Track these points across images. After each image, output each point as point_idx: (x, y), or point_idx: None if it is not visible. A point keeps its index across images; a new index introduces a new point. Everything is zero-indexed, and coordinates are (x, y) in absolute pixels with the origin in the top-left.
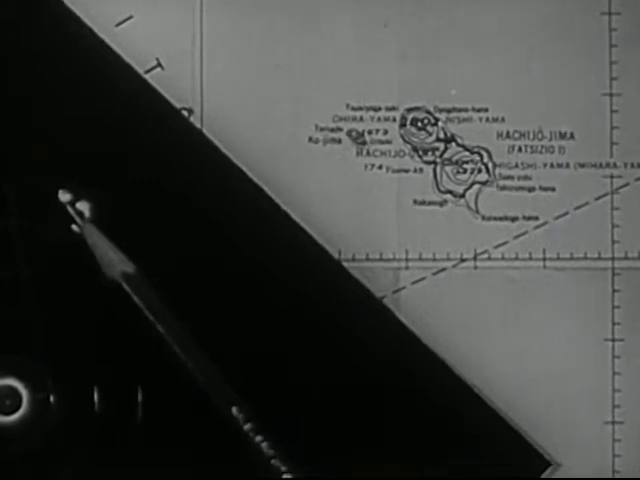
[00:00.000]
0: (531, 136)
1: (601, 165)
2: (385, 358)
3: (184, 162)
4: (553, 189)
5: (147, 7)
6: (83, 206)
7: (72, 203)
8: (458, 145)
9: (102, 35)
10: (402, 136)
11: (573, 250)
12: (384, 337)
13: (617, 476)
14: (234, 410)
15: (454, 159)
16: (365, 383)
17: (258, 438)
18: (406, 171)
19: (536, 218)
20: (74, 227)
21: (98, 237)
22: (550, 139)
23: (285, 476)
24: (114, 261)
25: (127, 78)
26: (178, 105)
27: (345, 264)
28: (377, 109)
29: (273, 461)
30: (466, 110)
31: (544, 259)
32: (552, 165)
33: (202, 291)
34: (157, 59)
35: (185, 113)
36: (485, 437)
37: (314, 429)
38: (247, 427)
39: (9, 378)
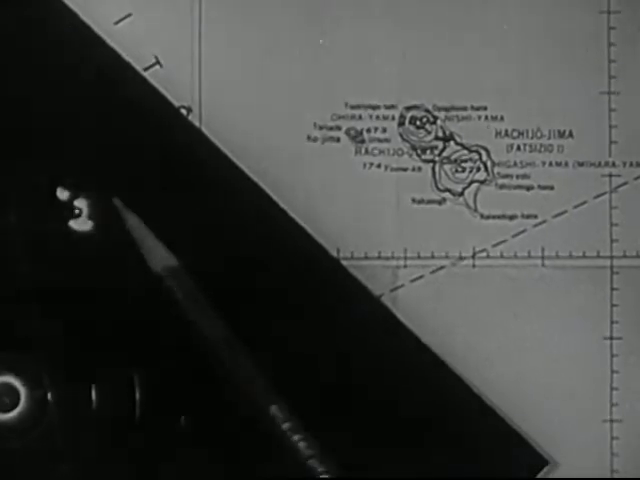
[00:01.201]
0: (530, 135)
1: (600, 164)
2: (383, 356)
3: (182, 160)
4: (552, 188)
5: (146, 5)
6: (81, 203)
7: (71, 200)
8: (457, 144)
9: (101, 33)
10: (401, 135)
11: (572, 249)
12: (382, 335)
13: (615, 475)
14: (273, 409)
15: (453, 158)
16: (363, 382)
17: (296, 437)
18: (405, 170)
19: (535, 217)
20: (129, 221)
21: (142, 230)
22: (549, 138)
23: (321, 477)
24: (157, 254)
25: (126, 76)
26: (177, 103)
27: (344, 262)
28: (376, 107)
29: (310, 461)
30: (465, 109)
31: (543, 257)
32: (551, 164)
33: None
34: (156, 57)
35: (184, 111)
36: (482, 435)
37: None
38: (285, 426)
39: (7, 375)
